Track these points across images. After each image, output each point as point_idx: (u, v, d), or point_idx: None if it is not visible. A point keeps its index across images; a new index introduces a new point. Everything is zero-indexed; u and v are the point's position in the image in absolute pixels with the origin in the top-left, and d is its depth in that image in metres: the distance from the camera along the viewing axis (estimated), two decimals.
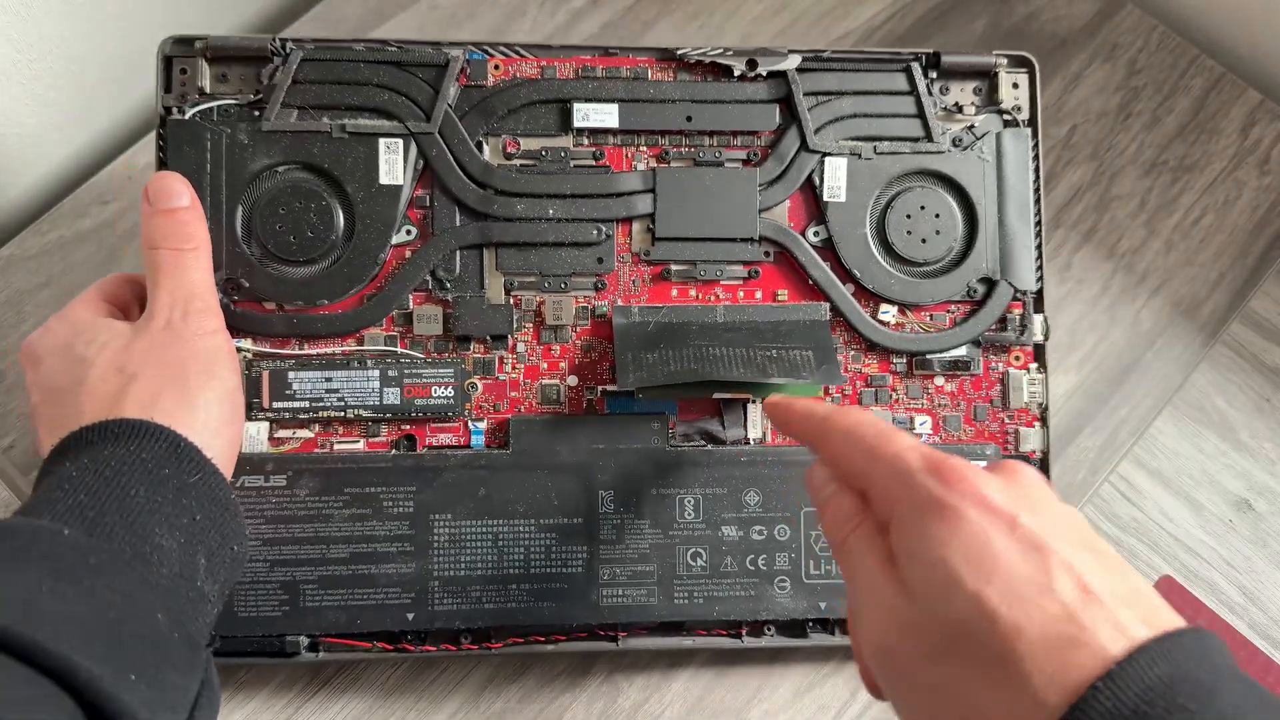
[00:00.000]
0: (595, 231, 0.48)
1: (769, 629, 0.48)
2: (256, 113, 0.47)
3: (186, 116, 0.47)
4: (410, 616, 0.46)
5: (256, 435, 0.47)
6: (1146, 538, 0.54)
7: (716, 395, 0.48)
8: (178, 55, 0.48)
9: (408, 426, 0.48)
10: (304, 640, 0.46)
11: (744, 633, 0.48)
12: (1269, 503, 0.55)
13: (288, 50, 0.47)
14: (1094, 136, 0.61)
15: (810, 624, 0.48)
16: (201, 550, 0.37)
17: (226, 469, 0.41)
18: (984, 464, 0.34)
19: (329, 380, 0.47)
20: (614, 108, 0.49)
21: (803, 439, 0.39)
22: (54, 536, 0.34)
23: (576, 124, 0.48)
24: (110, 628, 0.32)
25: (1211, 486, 0.55)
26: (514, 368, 0.48)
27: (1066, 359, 0.57)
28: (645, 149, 0.49)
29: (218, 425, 0.41)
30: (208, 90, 0.47)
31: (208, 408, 0.41)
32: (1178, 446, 0.56)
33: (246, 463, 0.46)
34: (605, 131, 0.49)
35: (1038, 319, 0.50)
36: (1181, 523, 0.54)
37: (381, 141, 0.48)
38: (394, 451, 0.47)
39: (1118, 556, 0.31)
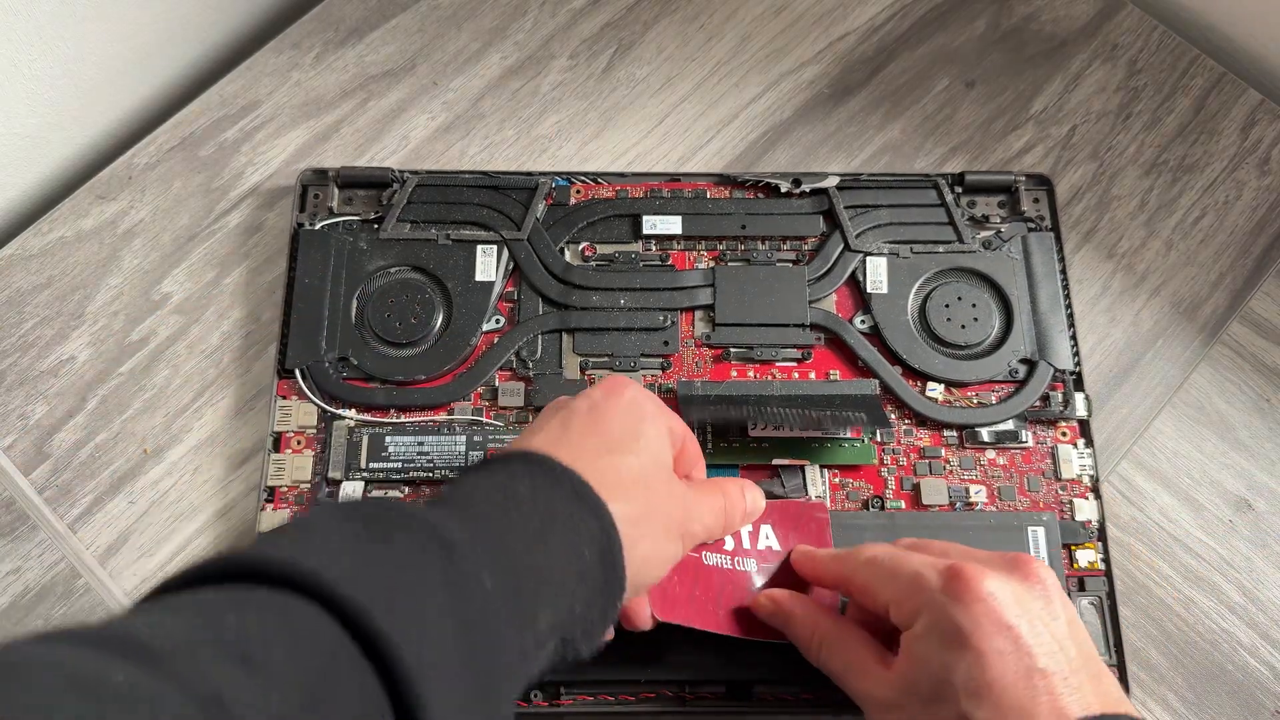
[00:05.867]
0: (661, 318, 0.54)
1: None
2: (375, 225, 0.56)
3: (316, 228, 0.56)
4: None
5: (352, 494, 0.51)
6: (1146, 538, 0.53)
7: (776, 461, 0.51)
8: (312, 183, 0.57)
9: None
10: None
11: (810, 697, 0.48)
12: (1269, 503, 0.54)
13: (405, 178, 0.57)
14: (1094, 136, 0.62)
15: None
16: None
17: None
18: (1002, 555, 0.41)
19: (420, 444, 0.51)
20: (678, 219, 0.56)
21: (832, 580, 0.45)
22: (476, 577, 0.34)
23: (645, 231, 0.56)
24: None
25: (1211, 486, 0.54)
26: None
27: None
28: (705, 252, 0.56)
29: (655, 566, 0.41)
30: (335, 209, 0.56)
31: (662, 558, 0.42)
32: (1177, 447, 0.55)
33: None
34: (670, 238, 0.56)
35: (1079, 396, 0.53)
36: (1181, 523, 0.54)
37: (479, 247, 0.55)
38: None
39: (1098, 663, 0.39)
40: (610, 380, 0.43)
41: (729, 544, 0.47)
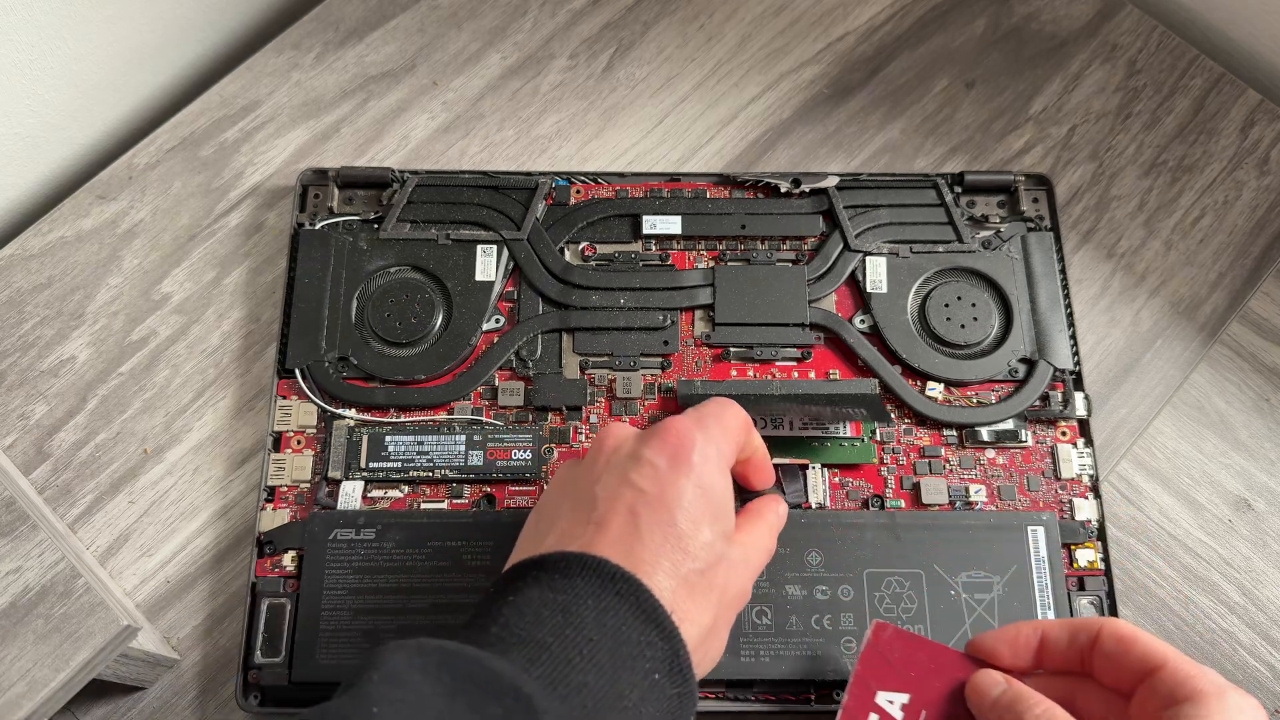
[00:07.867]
0: (661, 317, 0.54)
1: (838, 693, 0.48)
2: (375, 225, 0.56)
3: (316, 228, 0.56)
4: None
5: (352, 493, 0.51)
6: (1146, 538, 0.53)
7: (776, 460, 0.51)
8: (312, 183, 0.57)
9: (489, 487, 0.51)
10: None
11: (812, 697, 0.48)
12: (1268, 503, 0.54)
13: (405, 178, 0.57)
14: (1094, 136, 0.62)
15: None
16: None
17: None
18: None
19: (420, 444, 0.51)
20: (678, 219, 0.56)
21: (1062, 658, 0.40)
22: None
23: (645, 231, 0.56)
24: None
25: (1211, 486, 0.54)
26: (587, 436, 0.52)
27: None
28: (705, 252, 0.56)
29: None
30: (335, 209, 0.57)
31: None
32: (1177, 446, 0.55)
33: (341, 518, 0.50)
34: (670, 238, 0.56)
35: (1079, 396, 0.53)
36: (1181, 523, 0.54)
37: (479, 246, 0.55)
38: (475, 509, 0.51)
39: None
40: (671, 436, 0.40)
41: None
